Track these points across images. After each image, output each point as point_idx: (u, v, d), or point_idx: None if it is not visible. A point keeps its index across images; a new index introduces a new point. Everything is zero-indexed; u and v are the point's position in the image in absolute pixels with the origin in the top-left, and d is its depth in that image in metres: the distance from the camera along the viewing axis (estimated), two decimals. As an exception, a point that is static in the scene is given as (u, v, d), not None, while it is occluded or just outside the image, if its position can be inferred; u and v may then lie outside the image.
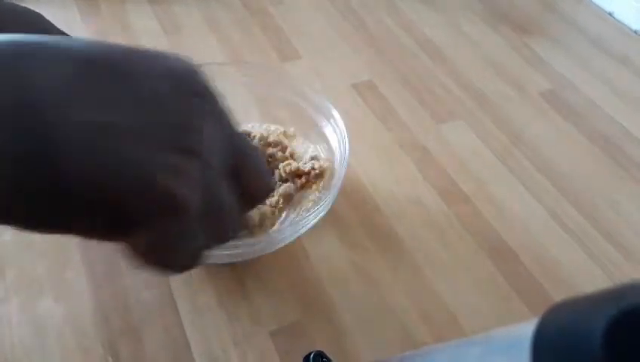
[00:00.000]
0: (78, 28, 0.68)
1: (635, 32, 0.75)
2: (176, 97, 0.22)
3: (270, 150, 0.50)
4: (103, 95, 0.21)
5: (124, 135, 0.20)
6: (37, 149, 0.19)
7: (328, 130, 0.50)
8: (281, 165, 0.49)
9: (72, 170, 0.20)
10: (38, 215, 0.21)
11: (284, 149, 0.51)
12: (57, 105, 0.19)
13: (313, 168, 0.49)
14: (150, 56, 0.23)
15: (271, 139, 0.51)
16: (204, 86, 0.24)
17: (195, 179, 0.22)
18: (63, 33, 0.43)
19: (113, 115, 0.20)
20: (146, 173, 0.21)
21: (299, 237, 0.45)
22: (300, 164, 0.49)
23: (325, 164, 0.50)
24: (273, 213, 0.47)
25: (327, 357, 0.35)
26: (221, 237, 0.25)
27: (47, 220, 0.21)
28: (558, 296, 0.45)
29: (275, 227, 0.46)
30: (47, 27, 0.42)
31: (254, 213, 0.45)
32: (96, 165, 0.20)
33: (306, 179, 0.49)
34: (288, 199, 0.48)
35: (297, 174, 0.49)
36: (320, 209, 0.43)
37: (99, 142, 0.20)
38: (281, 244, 0.44)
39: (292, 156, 0.50)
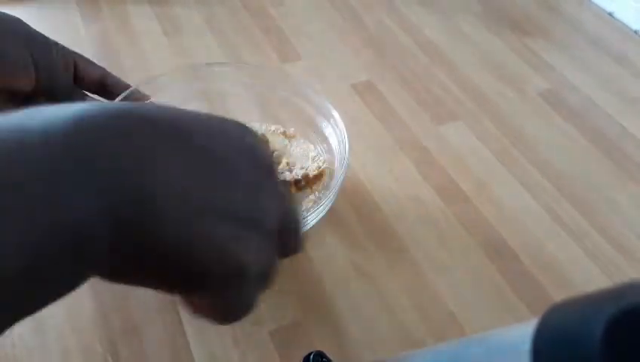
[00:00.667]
0: (80, 29, 0.68)
1: (635, 32, 0.75)
2: (248, 175, 0.25)
3: None
4: (189, 170, 0.23)
5: (206, 211, 0.23)
6: (136, 218, 0.21)
7: (328, 131, 0.51)
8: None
9: (164, 239, 0.22)
10: (126, 273, 0.23)
11: (279, 161, 0.51)
12: (158, 178, 0.22)
13: (306, 175, 0.49)
14: (229, 131, 0.26)
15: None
16: (269, 162, 0.27)
17: (259, 249, 0.25)
18: (43, 36, 0.43)
19: (199, 190, 0.23)
20: (221, 244, 0.23)
21: (299, 238, 0.45)
22: (294, 172, 0.49)
23: (323, 165, 0.50)
24: None
25: (327, 357, 0.35)
26: (267, 284, 0.28)
27: (133, 279, 0.24)
28: (558, 295, 0.45)
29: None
30: (28, 31, 0.42)
31: None
32: (184, 238, 0.22)
33: (305, 181, 0.49)
34: None
35: (294, 181, 0.49)
36: (320, 209, 0.43)
37: (187, 216, 0.22)
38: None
39: (288, 165, 0.50)
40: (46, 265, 0.19)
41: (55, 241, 0.19)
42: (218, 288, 0.25)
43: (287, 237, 0.28)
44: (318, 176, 0.49)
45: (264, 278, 0.27)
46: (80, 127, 0.20)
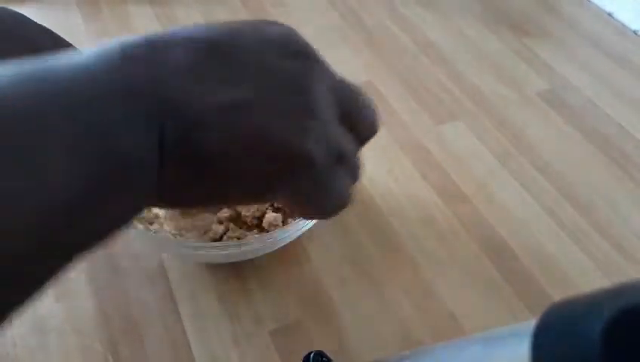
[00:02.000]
0: (80, 30, 0.68)
1: (635, 32, 0.75)
2: (284, 64, 0.24)
3: None
4: (223, 76, 0.23)
5: (250, 109, 0.23)
6: (182, 132, 0.21)
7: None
8: None
9: (212, 148, 0.22)
10: (186, 191, 0.23)
11: None
12: (192, 90, 0.22)
13: None
14: (251, 29, 0.25)
15: None
16: (303, 45, 0.26)
17: (318, 134, 0.24)
18: (49, 32, 0.43)
19: (237, 92, 0.23)
20: (275, 138, 0.23)
21: (299, 237, 0.45)
22: None
23: None
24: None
25: (327, 357, 0.35)
26: (354, 175, 0.28)
27: (196, 198, 0.24)
28: (557, 295, 0.45)
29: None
30: (29, 29, 0.42)
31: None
32: (234, 140, 0.22)
33: None
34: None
35: None
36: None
37: (231, 118, 0.22)
38: (282, 244, 0.44)
39: None
40: (96, 195, 0.19)
41: (104, 170, 0.19)
42: (292, 183, 0.24)
43: (357, 119, 0.28)
44: None
45: (345, 164, 0.27)
46: (120, 60, 0.21)
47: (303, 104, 0.24)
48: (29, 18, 0.41)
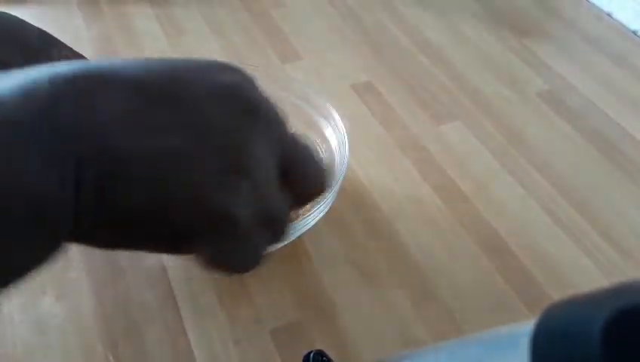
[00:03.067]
0: (81, 30, 0.69)
1: (634, 32, 0.75)
2: (227, 118, 0.23)
3: None
4: (158, 121, 0.22)
5: (180, 160, 0.22)
6: (103, 182, 0.20)
7: (328, 131, 0.51)
8: None
9: (135, 196, 0.21)
10: (103, 238, 0.23)
11: None
12: (120, 134, 0.21)
13: None
14: (200, 74, 0.24)
15: None
16: (254, 99, 0.25)
17: (246, 196, 0.24)
18: (43, 33, 0.43)
19: (169, 140, 0.22)
20: (201, 194, 0.22)
21: (299, 237, 0.45)
22: None
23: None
24: None
25: (327, 357, 0.35)
26: (276, 238, 0.27)
27: (113, 242, 0.23)
28: (557, 295, 0.45)
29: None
30: (24, 34, 0.41)
31: None
32: (159, 195, 0.21)
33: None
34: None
35: None
36: (320, 209, 0.43)
37: (158, 168, 0.21)
38: (282, 244, 0.44)
39: None
40: (8, 234, 0.19)
41: (16, 210, 0.19)
42: (213, 241, 0.24)
43: (300, 178, 0.27)
44: None
45: (271, 225, 0.26)
46: (34, 96, 0.20)
47: (238, 162, 0.23)
48: (27, 22, 0.41)
